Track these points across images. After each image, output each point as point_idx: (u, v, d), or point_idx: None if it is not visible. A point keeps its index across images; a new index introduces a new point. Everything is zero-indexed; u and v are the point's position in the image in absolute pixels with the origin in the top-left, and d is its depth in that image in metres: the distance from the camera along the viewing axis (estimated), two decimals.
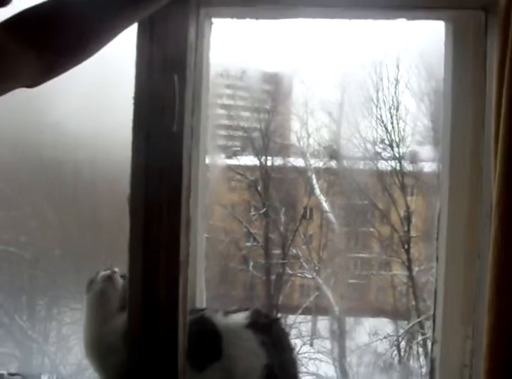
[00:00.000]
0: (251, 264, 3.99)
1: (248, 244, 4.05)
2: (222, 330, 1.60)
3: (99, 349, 1.64)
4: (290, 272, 3.96)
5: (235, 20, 1.71)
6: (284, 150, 4.06)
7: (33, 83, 1.17)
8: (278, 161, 4.00)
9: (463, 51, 1.63)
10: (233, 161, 3.96)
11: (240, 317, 1.61)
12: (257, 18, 1.67)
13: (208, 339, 1.60)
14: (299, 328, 4.03)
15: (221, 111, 4.11)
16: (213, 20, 1.70)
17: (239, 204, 4.09)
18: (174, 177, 1.49)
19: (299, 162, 3.96)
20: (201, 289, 1.77)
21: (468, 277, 1.67)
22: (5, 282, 1.90)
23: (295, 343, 3.93)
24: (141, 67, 1.49)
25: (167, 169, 1.49)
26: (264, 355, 1.58)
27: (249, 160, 3.98)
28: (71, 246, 2.07)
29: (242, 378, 1.58)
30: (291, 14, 1.65)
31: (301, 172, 3.96)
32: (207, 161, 1.78)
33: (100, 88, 1.69)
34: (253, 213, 4.05)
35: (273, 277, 3.98)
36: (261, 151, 3.96)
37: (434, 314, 1.75)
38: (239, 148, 4.04)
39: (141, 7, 1.31)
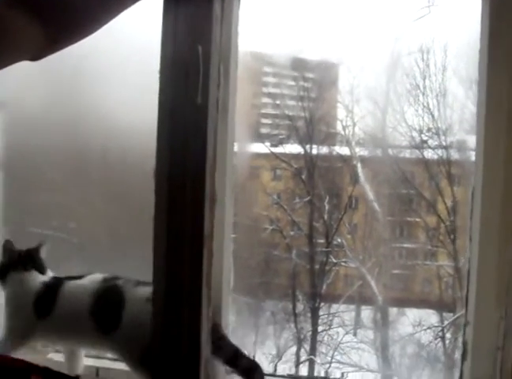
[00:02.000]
0: (294, 252, 3.98)
1: (292, 232, 4.05)
2: (127, 300, 1.61)
3: None
4: (334, 260, 3.94)
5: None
6: (330, 138, 4.04)
7: (38, 55, 1.16)
8: (323, 149, 3.99)
9: (499, 26, 1.57)
10: (278, 149, 3.96)
11: (146, 290, 1.58)
12: None
13: (112, 306, 1.61)
14: (341, 317, 4.01)
15: (266, 100, 4.12)
16: None
17: (283, 192, 4.08)
18: (198, 149, 1.47)
19: (344, 150, 3.94)
20: (228, 268, 1.75)
21: (503, 257, 1.61)
22: (53, 268, 1.92)
23: (338, 331, 3.93)
24: (166, 38, 1.48)
25: (191, 141, 1.47)
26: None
27: (294, 148, 3.97)
28: (119, 233, 2.08)
29: (132, 347, 1.58)
30: None
31: (346, 160, 3.93)
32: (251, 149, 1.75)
33: (151, 78, 1.69)
34: (297, 201, 4.04)
35: (317, 266, 3.97)
36: (305, 140, 3.94)
37: (466, 295, 1.69)
38: (284, 136, 4.04)
39: None
